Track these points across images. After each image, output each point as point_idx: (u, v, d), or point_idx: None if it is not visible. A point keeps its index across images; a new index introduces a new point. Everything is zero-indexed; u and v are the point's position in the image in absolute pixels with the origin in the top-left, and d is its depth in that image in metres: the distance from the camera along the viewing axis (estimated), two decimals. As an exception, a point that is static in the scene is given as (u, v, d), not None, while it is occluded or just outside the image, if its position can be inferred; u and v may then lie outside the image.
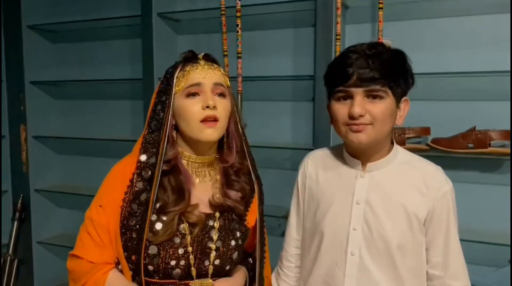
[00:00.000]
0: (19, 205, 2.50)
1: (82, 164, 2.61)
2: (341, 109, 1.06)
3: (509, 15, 1.67)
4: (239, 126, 1.16)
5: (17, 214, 2.51)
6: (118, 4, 2.35)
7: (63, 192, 2.52)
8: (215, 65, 1.13)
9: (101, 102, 2.54)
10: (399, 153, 1.14)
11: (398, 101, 1.07)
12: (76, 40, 2.56)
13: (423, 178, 1.09)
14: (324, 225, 1.13)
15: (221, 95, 1.10)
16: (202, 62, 1.11)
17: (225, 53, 1.99)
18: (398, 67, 1.06)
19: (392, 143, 1.14)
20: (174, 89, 1.09)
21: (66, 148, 2.64)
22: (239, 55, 1.95)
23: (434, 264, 1.10)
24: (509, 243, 1.61)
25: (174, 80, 1.09)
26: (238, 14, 1.93)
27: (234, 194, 1.14)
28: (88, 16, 2.37)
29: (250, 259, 1.22)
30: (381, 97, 1.03)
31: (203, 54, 1.14)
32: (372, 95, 1.03)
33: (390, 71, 1.03)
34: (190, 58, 1.13)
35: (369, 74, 1.01)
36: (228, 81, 1.16)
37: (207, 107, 1.06)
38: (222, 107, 1.09)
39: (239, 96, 1.96)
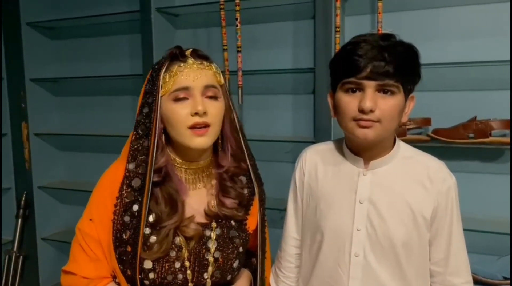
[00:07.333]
0: (22, 202, 2.52)
1: (84, 160, 2.62)
2: (350, 102, 1.00)
3: (508, 4, 1.66)
4: (236, 126, 1.07)
5: (21, 211, 2.52)
6: (116, -1, 2.35)
7: (66, 188, 2.53)
8: (206, 63, 1.01)
9: (101, 98, 2.54)
10: (401, 148, 1.10)
11: (406, 98, 1.03)
12: (75, 37, 2.56)
13: (426, 173, 1.06)
14: (325, 225, 1.09)
15: (213, 97, 1.00)
16: (190, 61, 1.00)
17: (225, 47, 1.99)
18: (412, 62, 1.02)
19: (395, 139, 1.11)
20: (160, 91, 1.00)
21: (68, 144, 2.65)
22: (239, 49, 1.95)
23: (436, 260, 1.08)
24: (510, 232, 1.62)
25: (160, 81, 0.99)
26: (237, 7, 1.92)
27: (230, 202, 1.07)
28: (87, 12, 2.36)
29: (254, 259, 1.17)
30: (392, 93, 0.99)
31: (191, 50, 1.02)
32: (383, 90, 0.98)
33: (404, 65, 0.99)
34: (177, 56, 1.01)
35: (384, 68, 0.96)
36: (222, 78, 1.05)
37: (196, 113, 0.96)
38: (215, 110, 0.99)
39: (240, 90, 1.96)
